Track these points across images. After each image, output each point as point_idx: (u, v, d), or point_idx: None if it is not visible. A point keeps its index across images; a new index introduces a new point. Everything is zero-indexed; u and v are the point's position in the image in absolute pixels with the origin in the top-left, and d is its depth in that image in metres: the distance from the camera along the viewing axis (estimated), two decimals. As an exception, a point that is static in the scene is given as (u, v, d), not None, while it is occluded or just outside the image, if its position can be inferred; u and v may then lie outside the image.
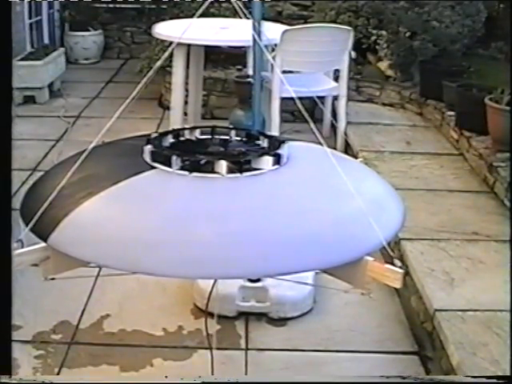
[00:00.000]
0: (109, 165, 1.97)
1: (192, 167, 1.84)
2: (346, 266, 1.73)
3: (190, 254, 1.64)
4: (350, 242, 1.78)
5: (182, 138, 2.10)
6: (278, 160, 1.92)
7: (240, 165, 1.86)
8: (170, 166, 1.85)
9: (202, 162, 1.86)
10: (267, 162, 1.90)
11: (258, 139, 2.11)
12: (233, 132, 2.14)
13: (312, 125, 2.05)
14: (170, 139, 2.06)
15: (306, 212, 1.79)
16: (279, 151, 1.94)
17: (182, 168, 1.84)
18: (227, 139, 2.13)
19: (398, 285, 1.72)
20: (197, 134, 2.13)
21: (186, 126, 2.17)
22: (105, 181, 1.79)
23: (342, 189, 1.84)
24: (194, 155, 1.88)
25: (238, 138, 2.14)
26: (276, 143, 2.01)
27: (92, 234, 1.68)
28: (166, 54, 2.23)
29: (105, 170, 1.92)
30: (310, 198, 1.86)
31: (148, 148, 1.91)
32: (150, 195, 1.79)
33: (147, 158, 1.91)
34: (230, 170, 1.84)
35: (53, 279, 1.72)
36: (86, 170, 1.88)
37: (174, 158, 1.84)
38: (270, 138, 2.08)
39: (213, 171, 1.84)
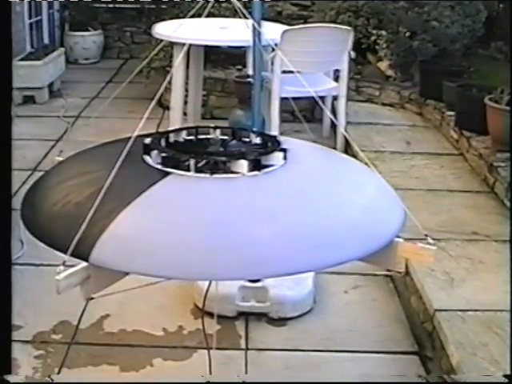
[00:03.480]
0: (119, 174, 1.87)
1: (209, 169, 1.82)
2: (381, 250, 1.76)
3: (250, 255, 1.63)
4: (382, 227, 1.83)
5: (175, 140, 2.06)
6: (285, 155, 1.92)
7: (258, 163, 1.85)
8: (184, 169, 1.81)
9: (216, 162, 1.84)
10: (278, 157, 1.90)
11: (248, 136, 2.09)
12: (218, 131, 2.11)
13: (305, 124, 2.05)
14: (163, 142, 2.02)
15: (337, 204, 1.84)
16: (285, 146, 1.94)
17: (199, 170, 1.81)
18: (224, 139, 2.10)
19: (431, 261, 1.82)
20: (183, 135, 2.09)
21: (170, 129, 2.13)
22: (126, 192, 1.74)
23: (353, 180, 1.91)
24: (208, 157, 1.86)
25: (226, 137, 2.10)
26: (270, 139, 2.02)
27: (141, 247, 1.64)
28: (152, 54, 2.21)
29: (117, 181, 1.81)
30: (331, 189, 1.90)
31: (155, 153, 1.87)
32: (183, 201, 1.76)
33: (155, 163, 1.86)
34: (250, 169, 1.83)
35: (92, 299, 1.68)
36: (95, 180, 1.82)
37: (191, 161, 1.80)
38: (261, 134, 2.08)
39: (230, 171, 1.83)
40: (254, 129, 2.11)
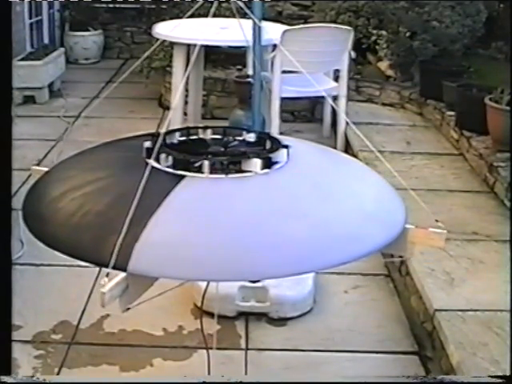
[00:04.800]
0: (130, 180, 1.84)
1: (222, 169, 1.81)
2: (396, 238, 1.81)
3: (291, 252, 1.65)
4: (394, 215, 1.87)
5: (171, 142, 2.02)
6: (288, 152, 1.93)
7: (269, 160, 1.85)
8: (194, 171, 1.79)
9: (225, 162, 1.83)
10: (283, 154, 1.91)
11: (241, 135, 2.08)
12: (208, 131, 2.10)
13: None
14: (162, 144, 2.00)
15: (353, 196, 1.88)
16: (286, 143, 1.95)
17: (211, 172, 1.80)
18: (223, 139, 2.10)
19: (442, 245, 1.86)
20: (177, 136, 2.07)
21: (161, 131, 2.10)
22: (148, 199, 1.69)
23: (357, 174, 1.96)
24: (222, 157, 1.85)
25: (219, 137, 2.09)
26: (265, 137, 2.02)
27: (178, 252, 1.62)
28: (147, 54, 2.20)
29: (132, 187, 1.77)
30: (341, 182, 1.94)
31: (163, 157, 1.84)
32: (208, 203, 1.74)
33: (165, 166, 1.83)
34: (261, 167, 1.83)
35: (128, 309, 1.66)
36: (107, 188, 1.80)
37: (205, 163, 1.79)
38: (254, 132, 2.08)
39: (241, 170, 1.82)
40: (245, 127, 2.09)
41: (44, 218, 1.79)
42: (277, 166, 1.86)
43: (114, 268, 1.56)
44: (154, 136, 1.91)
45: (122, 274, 1.58)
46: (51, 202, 1.82)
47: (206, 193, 1.78)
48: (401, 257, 2.04)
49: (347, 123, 5.37)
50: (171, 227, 1.67)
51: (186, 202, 1.74)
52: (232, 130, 2.14)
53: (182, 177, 1.79)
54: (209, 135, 2.08)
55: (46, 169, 2.04)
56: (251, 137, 2.06)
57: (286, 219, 1.72)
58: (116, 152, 2.02)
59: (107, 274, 1.53)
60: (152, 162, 1.84)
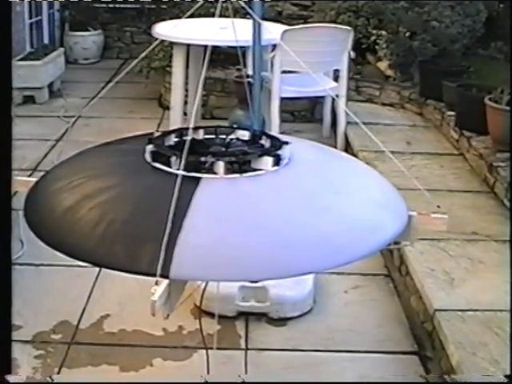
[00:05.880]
0: (144, 186, 1.83)
1: (234, 169, 1.81)
2: None
3: (330, 245, 1.68)
4: (400, 205, 1.94)
5: (169, 144, 2.00)
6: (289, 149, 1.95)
7: (279, 157, 1.87)
8: (204, 172, 1.79)
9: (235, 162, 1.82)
10: (287, 151, 1.92)
11: (232, 133, 2.08)
12: (200, 131, 2.10)
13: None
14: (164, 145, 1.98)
15: (363, 188, 1.94)
16: (287, 140, 1.96)
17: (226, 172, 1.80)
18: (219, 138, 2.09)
19: (444, 229, 1.96)
20: (173, 137, 2.06)
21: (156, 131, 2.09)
22: (171, 204, 1.68)
23: (357, 169, 2.02)
24: (235, 157, 1.85)
25: (215, 137, 2.08)
26: (259, 135, 2.04)
27: (219, 254, 1.62)
28: (144, 54, 2.19)
29: (150, 193, 1.78)
30: (345, 176, 2.00)
31: (174, 160, 1.82)
32: (234, 203, 1.74)
33: (176, 169, 1.80)
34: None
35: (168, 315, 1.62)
36: (125, 195, 1.78)
37: (220, 163, 1.79)
38: (246, 130, 2.08)
39: (252, 169, 1.83)
40: (234, 125, 2.09)
41: (62, 228, 1.74)
42: (283, 163, 1.88)
43: (155, 275, 1.55)
44: (150, 139, 1.91)
45: (166, 281, 1.57)
46: (67, 211, 1.77)
47: (227, 193, 1.78)
48: (404, 244, 2.11)
49: (348, 123, 5.37)
50: (206, 230, 1.67)
51: (212, 203, 1.74)
52: (224, 129, 2.12)
53: (197, 179, 1.77)
54: (201, 135, 2.08)
55: (33, 179, 1.99)
56: (245, 135, 2.06)
57: (315, 213, 1.74)
58: (118, 157, 2.00)
59: (156, 282, 1.53)
60: (162, 166, 1.83)
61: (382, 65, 6.31)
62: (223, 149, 1.98)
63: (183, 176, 1.75)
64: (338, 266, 1.71)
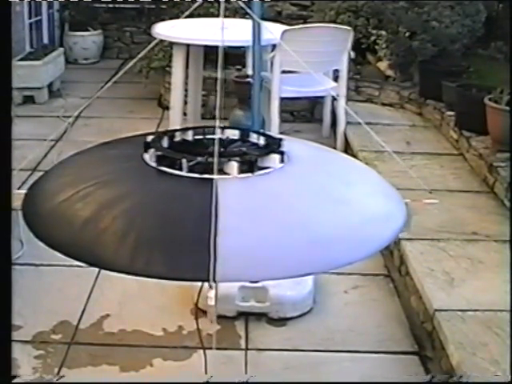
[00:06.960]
0: (160, 192, 1.81)
1: (244, 168, 1.81)
2: None
3: (358, 237, 1.73)
4: (398, 196, 2.01)
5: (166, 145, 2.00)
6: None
7: (283, 155, 1.88)
8: (210, 172, 1.77)
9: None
10: (288, 148, 1.94)
11: (222, 133, 2.08)
12: (190, 132, 2.08)
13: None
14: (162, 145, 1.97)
15: (365, 179, 2.02)
16: (277, 136, 2.00)
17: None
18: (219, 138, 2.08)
19: (436, 212, 2.07)
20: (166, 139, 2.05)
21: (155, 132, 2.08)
22: (200, 208, 1.67)
23: (354, 166, 2.09)
24: (244, 157, 1.85)
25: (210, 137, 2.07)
26: (245, 133, 2.06)
27: (262, 254, 1.63)
28: (142, 54, 2.19)
29: (170, 199, 1.77)
30: (346, 170, 2.07)
31: (184, 162, 1.81)
32: (261, 202, 1.75)
33: (186, 172, 1.80)
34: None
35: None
36: (144, 204, 1.76)
37: (233, 164, 1.78)
38: (235, 129, 2.10)
39: (259, 167, 1.83)
40: (221, 125, 2.08)
41: (85, 240, 1.69)
42: (286, 160, 1.88)
43: (203, 281, 1.56)
44: (146, 141, 1.89)
45: (213, 284, 1.56)
46: (87, 224, 1.71)
47: (248, 192, 1.78)
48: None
49: (348, 123, 5.37)
50: (242, 230, 1.67)
51: (238, 203, 1.73)
52: (209, 128, 2.10)
53: (210, 180, 1.75)
54: (190, 136, 2.06)
55: None
56: (235, 134, 2.06)
57: (337, 206, 1.78)
58: (118, 163, 1.96)
59: (210, 286, 1.52)
60: (169, 170, 1.82)
61: (382, 65, 6.31)
62: (222, 149, 1.98)
63: (198, 178, 1.76)
64: (369, 256, 1.76)
